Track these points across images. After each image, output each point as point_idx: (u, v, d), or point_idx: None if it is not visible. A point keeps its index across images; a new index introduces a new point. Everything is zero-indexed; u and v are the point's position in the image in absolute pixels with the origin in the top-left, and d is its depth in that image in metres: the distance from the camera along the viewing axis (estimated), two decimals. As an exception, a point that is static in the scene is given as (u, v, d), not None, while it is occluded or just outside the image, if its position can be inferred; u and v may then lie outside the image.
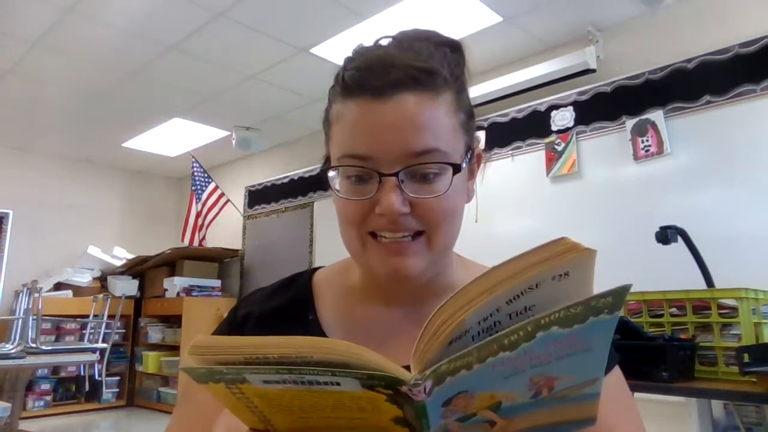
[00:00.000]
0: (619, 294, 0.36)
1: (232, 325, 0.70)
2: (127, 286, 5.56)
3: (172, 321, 5.33)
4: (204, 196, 5.32)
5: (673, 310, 1.77)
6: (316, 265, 0.79)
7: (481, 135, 3.05)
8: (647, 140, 2.93)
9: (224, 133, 5.08)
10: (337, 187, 0.59)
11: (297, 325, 0.67)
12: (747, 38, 2.66)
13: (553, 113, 3.35)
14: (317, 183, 4.88)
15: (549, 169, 3.30)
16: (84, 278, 5.45)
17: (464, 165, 0.59)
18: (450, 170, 0.56)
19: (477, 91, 3.28)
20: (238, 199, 5.67)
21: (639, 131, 2.97)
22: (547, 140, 3.34)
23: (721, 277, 1.91)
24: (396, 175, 0.55)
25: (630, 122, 3.00)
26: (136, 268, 5.63)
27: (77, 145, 5.55)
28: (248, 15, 3.15)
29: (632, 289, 0.38)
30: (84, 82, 4.06)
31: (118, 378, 5.45)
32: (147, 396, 5.41)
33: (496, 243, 3.27)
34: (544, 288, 0.39)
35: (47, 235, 5.61)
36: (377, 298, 0.66)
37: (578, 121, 3.24)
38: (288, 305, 0.69)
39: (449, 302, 0.38)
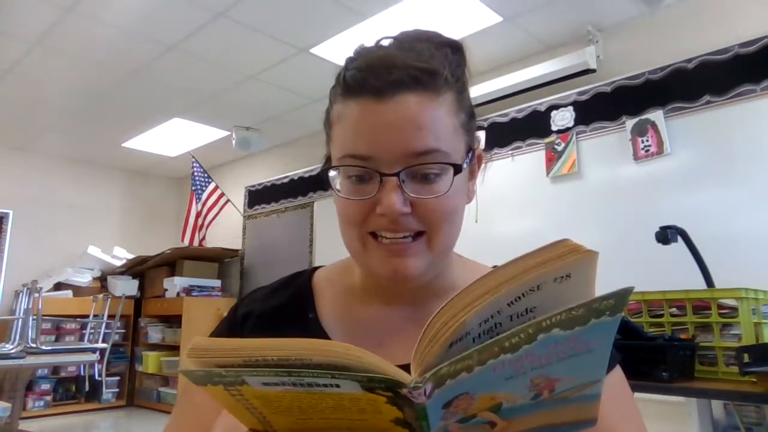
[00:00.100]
0: (622, 296, 0.36)
1: (231, 324, 0.70)
2: (127, 286, 5.56)
3: (172, 321, 5.33)
4: (204, 196, 5.32)
5: (673, 310, 1.77)
6: (316, 265, 0.78)
7: (481, 135, 3.05)
8: (647, 140, 2.93)
9: (224, 133, 5.08)
10: (338, 187, 0.59)
11: (297, 324, 0.66)
12: (747, 38, 2.66)
13: (553, 113, 3.35)
14: (317, 183, 4.88)
15: (549, 169, 3.30)
16: (84, 278, 5.45)
17: (465, 165, 0.59)
18: (451, 170, 0.56)
19: (477, 91, 3.28)
20: (238, 199, 5.67)
21: (639, 131, 2.97)
22: (547, 140, 3.34)
23: (721, 277, 1.91)
24: (397, 175, 0.55)
25: (630, 122, 3.00)
26: (136, 268, 5.63)
27: (77, 145, 5.55)
28: (248, 15, 3.15)
29: (630, 295, 0.38)
30: (84, 82, 4.06)
31: (118, 378, 5.45)
32: (147, 396, 5.41)
33: (496, 243, 3.27)
34: (545, 290, 0.39)
35: (47, 235, 5.61)
36: (377, 298, 0.66)
37: (578, 121, 3.24)
38: (288, 304, 0.69)
39: (450, 304, 0.38)
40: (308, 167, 4.98)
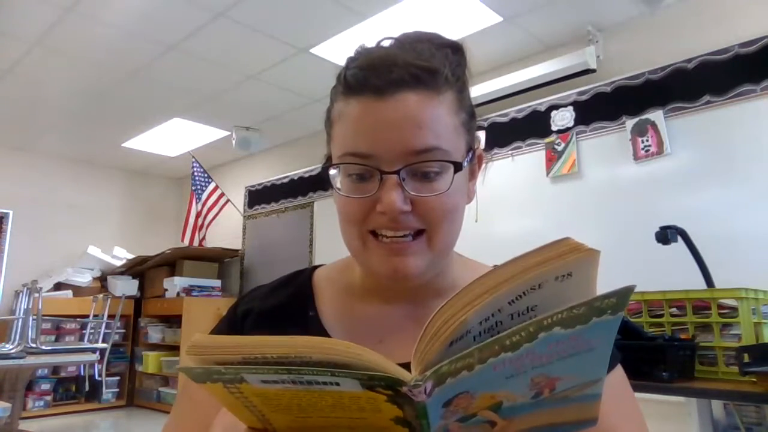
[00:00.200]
0: (623, 295, 0.36)
1: (231, 323, 0.70)
2: (127, 286, 5.55)
3: (172, 321, 5.33)
4: (204, 196, 5.32)
5: (673, 310, 1.77)
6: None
7: (482, 135, 3.05)
8: (647, 140, 2.93)
9: (224, 133, 5.08)
10: (338, 185, 0.59)
11: (297, 323, 0.67)
12: (747, 38, 2.66)
13: (553, 113, 3.35)
14: (317, 183, 4.88)
15: (549, 169, 3.30)
16: (84, 278, 5.45)
17: (465, 164, 0.59)
18: (451, 169, 0.56)
19: (477, 91, 3.27)
20: (238, 199, 5.67)
21: (639, 131, 2.97)
22: (547, 140, 3.34)
23: (721, 277, 1.91)
24: (397, 173, 0.55)
25: (630, 122, 3.00)
26: (136, 268, 5.63)
27: (77, 145, 5.55)
28: (248, 15, 3.15)
29: (632, 294, 0.38)
30: (84, 82, 4.06)
31: (118, 378, 5.45)
32: (147, 396, 5.41)
33: (496, 243, 3.27)
34: (546, 288, 0.39)
35: (47, 235, 5.61)
36: (377, 297, 0.66)
37: (578, 121, 3.24)
38: (288, 302, 0.69)
39: (450, 302, 0.38)
40: (308, 167, 4.98)
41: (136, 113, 4.68)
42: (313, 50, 3.55)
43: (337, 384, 0.36)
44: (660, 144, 2.88)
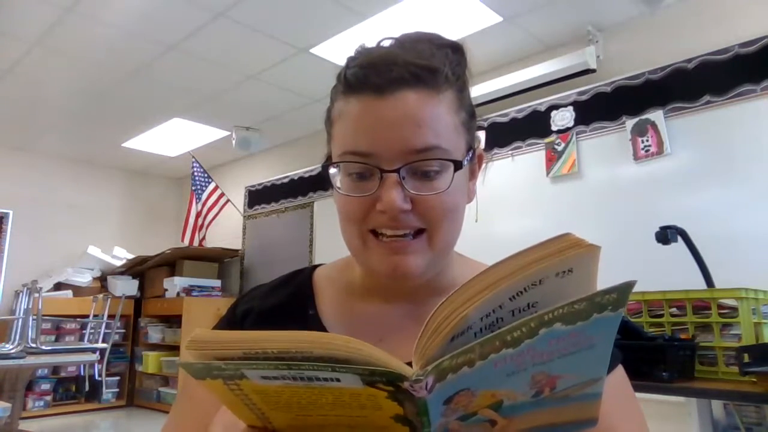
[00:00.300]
0: (624, 290, 0.36)
1: (231, 322, 0.70)
2: (127, 286, 5.55)
3: (172, 321, 5.33)
4: (204, 196, 5.32)
5: (673, 310, 1.77)
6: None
7: (482, 135, 3.05)
8: (647, 140, 2.93)
9: (224, 133, 5.08)
10: (338, 184, 0.59)
11: (297, 321, 0.66)
12: (747, 38, 2.66)
13: (553, 113, 3.35)
14: (317, 183, 4.88)
15: (549, 169, 3.30)
16: (84, 278, 5.45)
17: (465, 163, 0.59)
18: (451, 168, 0.56)
19: (477, 91, 3.27)
20: (238, 199, 5.67)
21: (639, 131, 2.97)
22: (547, 140, 3.34)
23: (721, 277, 1.91)
24: (397, 171, 0.55)
25: (630, 122, 3.00)
26: (136, 268, 5.63)
27: (77, 145, 5.55)
28: (248, 15, 3.15)
29: (632, 289, 0.38)
30: (84, 82, 4.06)
31: (118, 378, 5.44)
32: (147, 396, 5.41)
33: (496, 243, 3.27)
34: (547, 284, 0.39)
35: (47, 235, 5.61)
36: (378, 296, 0.66)
37: (578, 121, 3.24)
38: (288, 302, 0.69)
39: (452, 298, 0.38)
40: (308, 167, 4.98)
41: (136, 113, 4.68)
42: (313, 50, 3.55)
43: (338, 380, 0.36)
44: (660, 144, 2.88)
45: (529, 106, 3.47)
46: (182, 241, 5.46)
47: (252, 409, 0.41)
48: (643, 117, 2.96)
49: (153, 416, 5.05)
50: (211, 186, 5.37)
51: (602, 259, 0.40)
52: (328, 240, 4.67)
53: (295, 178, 5.15)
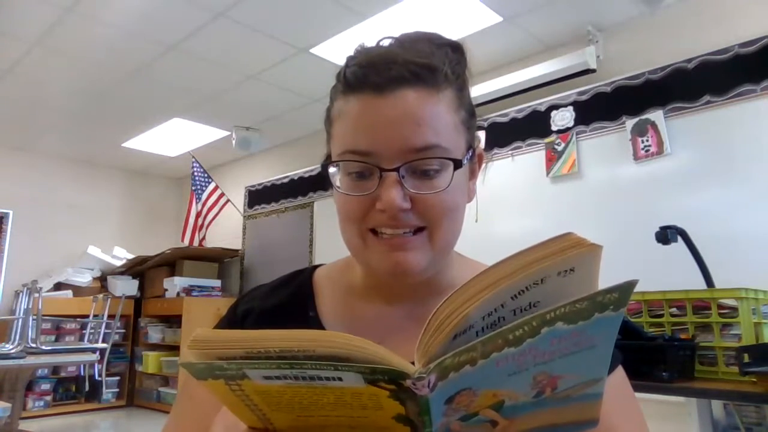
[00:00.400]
0: (626, 289, 0.36)
1: (231, 322, 0.70)
2: (127, 286, 5.55)
3: (172, 321, 5.33)
4: (204, 196, 5.32)
5: (673, 310, 1.77)
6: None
7: (482, 135, 3.05)
8: (647, 140, 2.93)
9: (224, 133, 5.08)
10: (338, 183, 0.59)
11: (297, 322, 0.66)
12: (747, 38, 2.66)
13: (553, 113, 3.35)
14: (317, 183, 4.88)
15: (549, 169, 3.30)
16: (84, 278, 5.45)
17: (465, 161, 0.59)
18: (451, 166, 0.56)
19: (477, 91, 3.27)
20: (238, 199, 5.67)
21: (639, 131, 2.97)
22: (547, 140, 3.34)
23: (721, 277, 1.91)
24: (397, 170, 0.55)
25: (630, 122, 3.00)
26: (136, 268, 5.63)
27: (77, 145, 5.55)
28: (248, 15, 3.15)
29: (634, 289, 0.38)
30: (84, 82, 4.06)
31: (118, 378, 5.44)
32: (147, 396, 5.41)
33: (496, 243, 3.27)
34: (549, 283, 0.39)
35: (47, 235, 5.61)
36: (378, 296, 0.66)
37: (578, 121, 3.24)
38: (288, 302, 0.69)
39: (454, 296, 0.38)
40: (308, 167, 4.98)
41: (136, 113, 4.68)
42: (313, 50, 3.54)
43: (340, 379, 0.36)
44: (660, 144, 2.88)
45: (529, 106, 3.47)
46: (182, 241, 5.46)
47: (253, 410, 0.41)
48: (643, 117, 2.96)
49: (153, 416, 5.05)
50: (211, 186, 5.37)
51: (602, 259, 0.40)
52: (328, 240, 4.67)
53: (295, 178, 5.15)
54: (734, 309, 1.64)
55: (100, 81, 4.03)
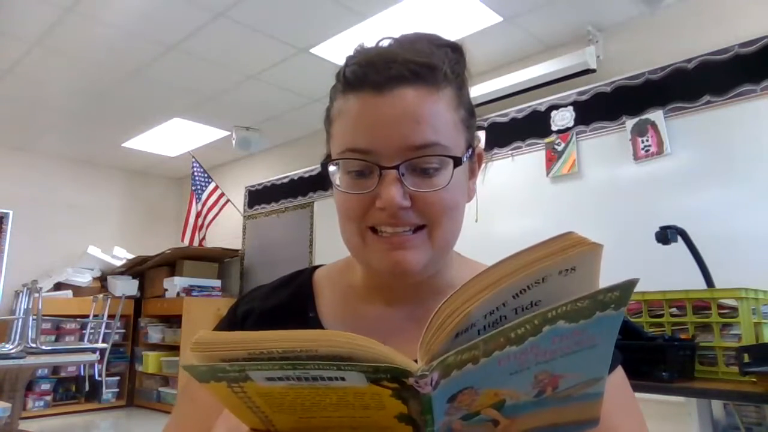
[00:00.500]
0: (626, 288, 0.36)
1: (231, 323, 0.70)
2: (127, 286, 5.55)
3: (172, 321, 5.33)
4: (204, 196, 5.32)
5: (673, 310, 1.77)
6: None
7: (482, 135, 3.05)
8: (647, 140, 2.93)
9: (224, 133, 5.08)
10: (338, 182, 0.59)
11: (297, 323, 0.66)
12: (747, 38, 2.66)
13: (553, 113, 3.35)
14: (317, 183, 4.88)
15: (549, 169, 3.30)
16: (84, 278, 5.45)
17: (465, 160, 0.59)
18: (450, 164, 0.56)
19: (477, 91, 3.27)
20: (238, 199, 5.67)
21: (639, 131, 2.97)
22: (547, 140, 3.34)
23: (721, 277, 1.91)
24: (396, 168, 0.55)
25: (630, 122, 3.00)
26: (136, 268, 5.63)
27: (77, 145, 5.55)
28: (248, 15, 3.15)
29: (635, 287, 0.38)
30: (84, 82, 4.06)
31: (118, 378, 5.44)
32: (147, 396, 5.41)
33: (496, 243, 3.27)
34: (550, 283, 0.39)
35: (47, 235, 5.61)
36: (378, 297, 0.66)
37: (578, 121, 3.24)
38: (288, 303, 0.69)
39: (455, 295, 0.38)
40: (308, 167, 4.98)
41: (136, 113, 4.68)
42: (313, 50, 3.55)
43: (343, 379, 0.36)
44: (660, 144, 2.88)
45: (529, 106, 3.47)
46: (182, 241, 5.46)
47: (255, 412, 0.41)
48: (643, 117, 2.96)
49: (153, 416, 5.05)
50: (211, 186, 5.37)
51: (603, 259, 0.40)
52: (328, 240, 4.67)
53: (295, 178, 5.15)
54: (734, 309, 1.64)
55: (100, 81, 4.03)
